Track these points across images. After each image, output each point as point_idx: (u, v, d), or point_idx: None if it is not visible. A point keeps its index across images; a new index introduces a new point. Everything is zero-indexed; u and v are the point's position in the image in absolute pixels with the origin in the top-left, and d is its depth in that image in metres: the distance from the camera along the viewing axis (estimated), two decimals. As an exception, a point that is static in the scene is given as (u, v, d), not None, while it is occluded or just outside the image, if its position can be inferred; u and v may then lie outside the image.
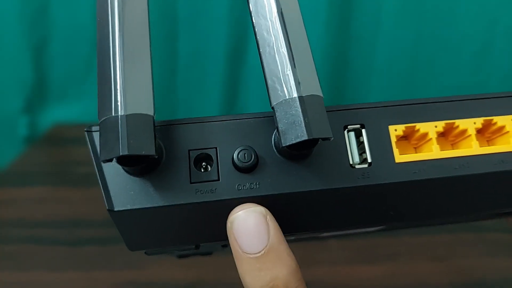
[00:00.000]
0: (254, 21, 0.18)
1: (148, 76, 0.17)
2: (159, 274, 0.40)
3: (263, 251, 0.16)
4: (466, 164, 0.19)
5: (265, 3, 0.18)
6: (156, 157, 0.16)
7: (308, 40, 0.18)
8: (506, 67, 0.63)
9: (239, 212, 0.17)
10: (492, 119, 0.20)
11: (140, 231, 0.19)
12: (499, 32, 0.61)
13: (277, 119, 0.17)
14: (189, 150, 0.18)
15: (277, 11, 0.17)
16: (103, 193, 0.18)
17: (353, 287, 0.39)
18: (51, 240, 0.45)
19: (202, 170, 0.19)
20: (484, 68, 0.63)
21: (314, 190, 0.18)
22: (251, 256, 0.16)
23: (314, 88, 0.17)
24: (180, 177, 0.18)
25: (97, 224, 0.45)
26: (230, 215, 0.17)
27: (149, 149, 0.16)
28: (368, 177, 0.19)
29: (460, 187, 0.20)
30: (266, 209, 0.17)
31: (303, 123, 0.16)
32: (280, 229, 0.17)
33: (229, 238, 0.17)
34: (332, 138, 0.16)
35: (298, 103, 0.16)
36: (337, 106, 0.19)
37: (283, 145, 0.17)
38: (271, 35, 0.17)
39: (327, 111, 0.18)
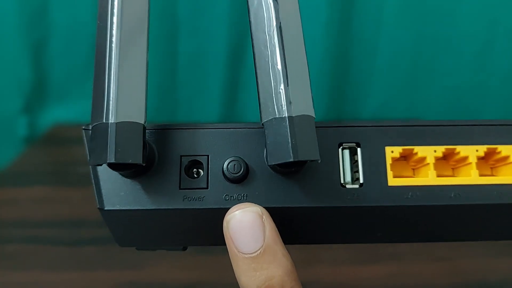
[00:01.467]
0: (252, 33, 0.17)
1: (142, 83, 0.17)
2: (159, 274, 0.40)
3: (258, 251, 0.16)
4: (462, 194, 0.18)
5: (265, 16, 0.17)
6: (144, 165, 0.16)
7: (307, 57, 0.17)
8: (506, 67, 0.63)
9: (236, 212, 0.17)
10: (496, 148, 0.19)
11: (129, 230, 0.20)
12: (500, 32, 0.61)
13: (266, 137, 0.17)
14: (181, 156, 0.19)
15: (276, 25, 0.17)
16: (95, 192, 0.19)
17: (355, 287, 0.39)
18: (51, 240, 0.45)
19: (193, 177, 0.19)
20: (485, 68, 0.63)
21: (300, 207, 0.18)
22: (246, 256, 0.16)
23: (306, 108, 0.16)
24: (170, 182, 0.18)
25: (97, 224, 0.45)
26: (226, 214, 0.17)
27: (136, 158, 0.16)
28: (358, 198, 0.18)
29: (453, 216, 0.19)
30: (263, 209, 0.17)
31: (290, 145, 0.16)
32: (276, 229, 0.17)
33: (225, 237, 0.17)
34: (319, 161, 0.16)
35: (287, 123, 0.16)
36: (334, 122, 0.19)
37: (269, 164, 0.17)
38: (267, 49, 0.17)
39: (323, 127, 0.18)
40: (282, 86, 0.16)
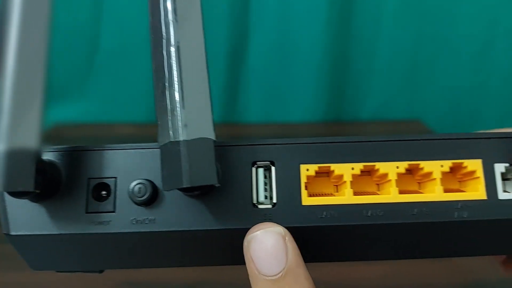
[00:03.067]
0: (151, 51, 0.17)
1: None
2: (159, 274, 0.40)
3: (280, 274, 0.16)
4: (379, 212, 0.18)
5: (164, 34, 0.16)
6: (38, 191, 0.16)
7: (209, 75, 0.16)
8: (506, 68, 0.63)
9: (257, 232, 0.16)
10: (419, 163, 0.18)
11: (39, 254, 0.19)
12: (499, 32, 0.61)
13: (161, 161, 0.16)
14: (88, 178, 0.18)
15: (174, 45, 0.16)
16: (1, 217, 0.18)
17: (354, 287, 0.39)
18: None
19: (101, 200, 0.18)
20: (485, 69, 0.63)
21: (210, 230, 0.18)
22: (267, 278, 0.16)
23: (204, 130, 0.16)
24: (77, 205, 0.18)
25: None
26: (247, 234, 0.17)
27: (26, 185, 0.15)
28: (270, 218, 0.17)
29: (372, 234, 0.18)
30: (286, 230, 0.17)
31: (183, 170, 0.15)
32: (298, 251, 0.16)
33: (245, 257, 0.17)
34: (219, 185, 0.16)
35: (180, 147, 0.15)
36: (247, 140, 0.18)
37: (163, 190, 0.17)
38: (164, 69, 0.16)
39: (236, 145, 0.18)
40: (178, 109, 0.16)
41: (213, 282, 0.39)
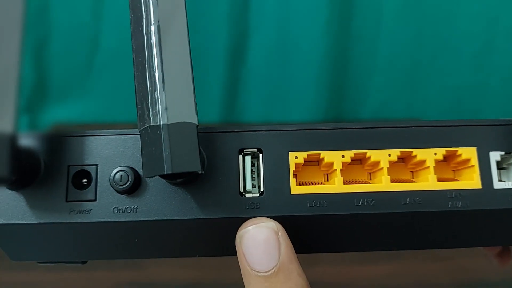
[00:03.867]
0: (131, 32, 0.16)
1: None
2: (159, 274, 0.40)
3: (272, 270, 0.15)
4: (370, 201, 0.17)
5: (143, 13, 0.15)
6: (13, 178, 0.15)
7: (191, 57, 0.16)
8: (507, 67, 0.62)
9: (249, 227, 0.16)
10: (412, 151, 0.18)
11: (18, 245, 0.19)
12: (500, 31, 0.61)
13: (141, 147, 0.15)
14: (68, 166, 0.17)
15: (154, 24, 0.15)
16: None
17: (355, 287, 0.39)
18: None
19: (82, 188, 0.17)
20: (485, 68, 0.63)
21: (195, 219, 0.17)
22: (259, 274, 0.16)
23: (187, 114, 0.15)
24: (56, 194, 0.17)
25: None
26: (240, 229, 0.16)
27: (1, 172, 0.15)
28: (258, 207, 0.17)
29: (363, 224, 0.18)
30: (279, 225, 0.16)
31: (164, 156, 0.14)
32: (292, 247, 0.16)
33: (237, 253, 0.16)
34: (202, 172, 0.15)
35: (161, 131, 0.15)
36: (234, 126, 0.18)
37: (144, 177, 0.16)
38: (144, 50, 0.15)
39: (222, 132, 0.17)
40: (158, 91, 0.15)
41: (213, 282, 0.39)
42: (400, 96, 0.65)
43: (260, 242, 0.16)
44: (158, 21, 0.15)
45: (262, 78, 0.64)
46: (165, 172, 0.14)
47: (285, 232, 0.16)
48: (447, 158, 0.18)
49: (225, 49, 0.62)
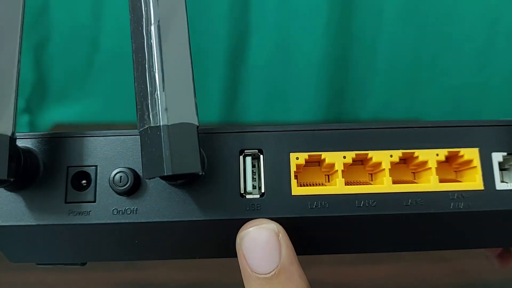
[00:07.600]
0: (131, 31, 0.16)
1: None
2: (159, 275, 0.40)
3: (273, 272, 0.15)
4: (372, 203, 0.17)
5: (143, 12, 0.15)
6: (12, 180, 0.15)
7: (191, 57, 0.15)
8: (508, 67, 0.62)
9: (250, 228, 0.16)
10: (414, 152, 0.18)
11: (17, 246, 0.19)
12: (501, 31, 0.61)
13: (141, 148, 0.15)
14: (68, 167, 0.17)
15: (155, 24, 0.15)
16: None
17: (355, 288, 0.39)
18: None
19: (81, 189, 0.17)
20: (486, 68, 0.63)
21: (195, 220, 0.17)
22: (260, 276, 0.15)
23: (187, 115, 0.15)
24: (55, 195, 0.17)
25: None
26: (240, 230, 0.16)
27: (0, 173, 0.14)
28: (258, 209, 0.17)
29: (364, 226, 0.18)
30: (280, 226, 0.16)
31: (164, 157, 0.14)
32: (293, 249, 0.16)
33: (238, 255, 0.16)
34: (202, 173, 0.15)
35: (161, 132, 0.14)
36: (235, 127, 0.18)
37: (144, 178, 0.16)
38: (144, 50, 0.15)
39: (223, 132, 0.17)
40: (158, 91, 0.15)
41: (213, 282, 0.39)
42: (401, 97, 0.65)
43: (261, 244, 0.16)
44: (158, 21, 0.15)
45: (263, 78, 0.64)
46: (165, 173, 0.14)
47: (286, 233, 0.16)
48: (449, 159, 0.18)
49: (225, 49, 0.62)
